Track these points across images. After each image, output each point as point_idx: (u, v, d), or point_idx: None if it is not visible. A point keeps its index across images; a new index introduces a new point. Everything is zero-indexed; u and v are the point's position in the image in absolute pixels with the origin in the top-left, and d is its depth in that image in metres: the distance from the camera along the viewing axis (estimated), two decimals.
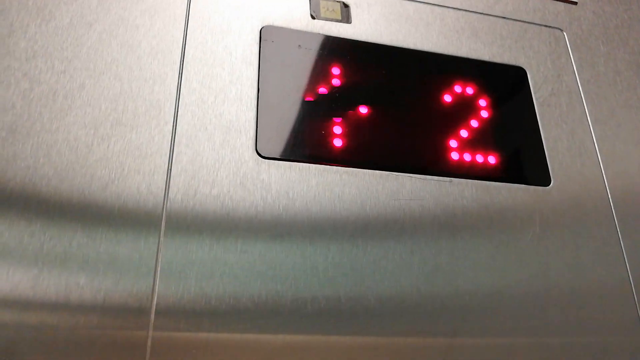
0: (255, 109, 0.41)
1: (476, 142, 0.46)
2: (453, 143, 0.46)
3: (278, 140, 0.41)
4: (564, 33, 0.56)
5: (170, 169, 0.37)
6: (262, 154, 0.40)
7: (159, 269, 0.34)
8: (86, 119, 0.38)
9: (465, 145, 0.46)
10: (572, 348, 0.41)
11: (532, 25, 0.55)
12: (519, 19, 0.55)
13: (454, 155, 0.45)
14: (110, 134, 0.38)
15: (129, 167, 0.37)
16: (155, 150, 0.38)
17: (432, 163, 0.44)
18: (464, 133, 0.47)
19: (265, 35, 0.45)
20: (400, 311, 0.38)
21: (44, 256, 0.33)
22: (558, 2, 0.59)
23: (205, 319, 0.34)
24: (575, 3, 0.59)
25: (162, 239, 0.35)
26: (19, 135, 0.36)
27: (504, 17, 0.55)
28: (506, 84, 0.51)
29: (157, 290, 0.34)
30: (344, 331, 0.36)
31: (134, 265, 0.34)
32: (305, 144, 0.41)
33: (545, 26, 0.56)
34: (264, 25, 0.45)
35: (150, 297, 0.34)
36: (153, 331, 0.33)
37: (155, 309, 0.33)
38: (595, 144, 0.50)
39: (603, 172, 0.49)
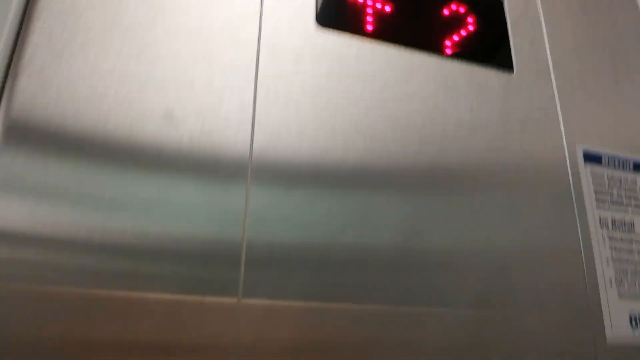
0: None
1: (463, 44, 0.65)
2: (448, 43, 0.65)
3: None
4: None
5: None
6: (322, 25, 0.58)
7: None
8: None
9: (455, 46, 0.65)
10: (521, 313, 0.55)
11: None
12: None
13: (448, 51, 0.64)
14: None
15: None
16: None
17: (432, 50, 0.63)
18: (455, 37, 0.66)
19: None
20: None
21: (153, 201, 0.45)
22: None
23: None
24: None
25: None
26: (171, 99, 0.52)
27: None
28: (487, 7, 0.70)
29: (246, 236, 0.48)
30: None
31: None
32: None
33: None
34: None
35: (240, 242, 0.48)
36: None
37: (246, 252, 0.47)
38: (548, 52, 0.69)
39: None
